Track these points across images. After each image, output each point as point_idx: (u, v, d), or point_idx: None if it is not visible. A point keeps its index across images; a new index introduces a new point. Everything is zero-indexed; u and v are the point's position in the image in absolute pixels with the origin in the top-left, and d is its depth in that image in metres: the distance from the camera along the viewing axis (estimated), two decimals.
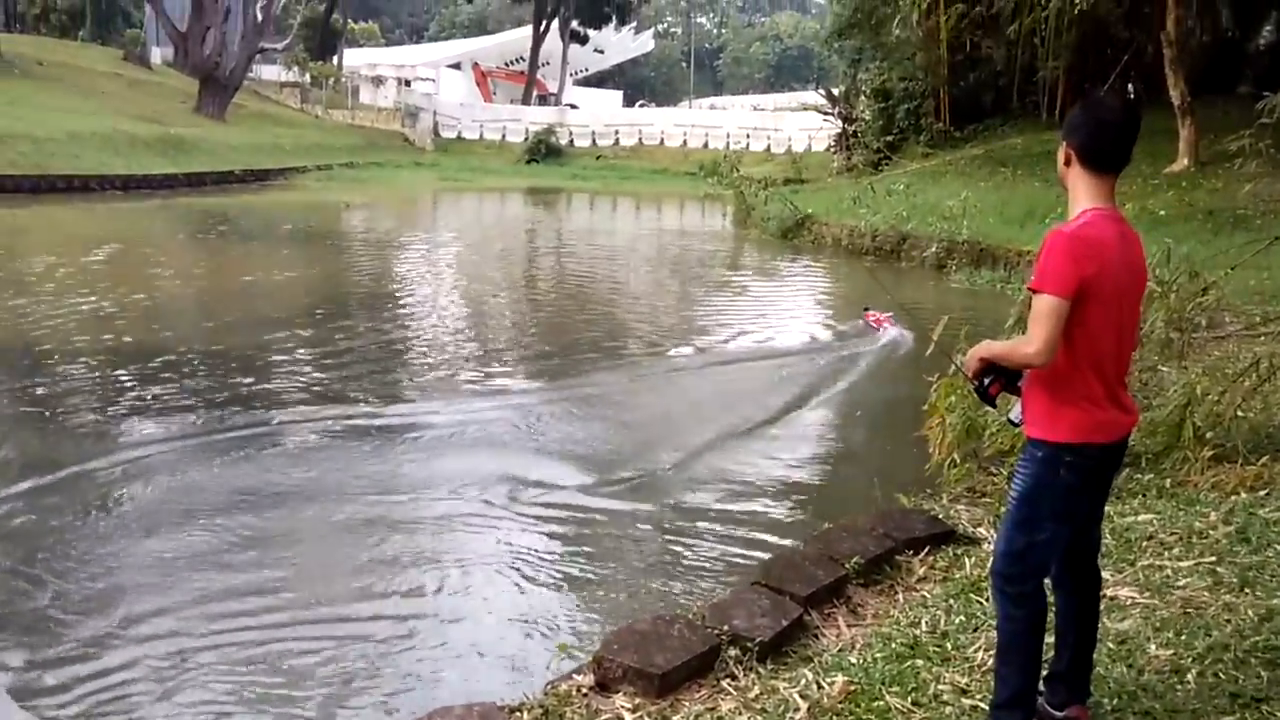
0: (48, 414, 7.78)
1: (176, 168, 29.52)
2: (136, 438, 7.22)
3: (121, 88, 39.23)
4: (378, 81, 59.11)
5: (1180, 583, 4.26)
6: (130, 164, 28.08)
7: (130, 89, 39.65)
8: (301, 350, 10.21)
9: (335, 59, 60.51)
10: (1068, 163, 3.06)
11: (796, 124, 44.65)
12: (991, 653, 3.43)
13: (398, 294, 14.91)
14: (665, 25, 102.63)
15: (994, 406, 3.30)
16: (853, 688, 3.49)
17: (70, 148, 27.36)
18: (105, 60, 44.75)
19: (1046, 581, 3.17)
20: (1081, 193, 3.04)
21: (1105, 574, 3.85)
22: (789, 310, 14.54)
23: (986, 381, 3.09)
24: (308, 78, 54.74)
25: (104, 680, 4.21)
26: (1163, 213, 14.95)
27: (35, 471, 6.42)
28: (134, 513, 5.94)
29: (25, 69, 36.18)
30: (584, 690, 3.56)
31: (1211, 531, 4.74)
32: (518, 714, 3.38)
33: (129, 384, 8.60)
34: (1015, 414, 3.17)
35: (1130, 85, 24.12)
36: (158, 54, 51.41)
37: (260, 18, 44.50)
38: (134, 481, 6.39)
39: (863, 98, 32.12)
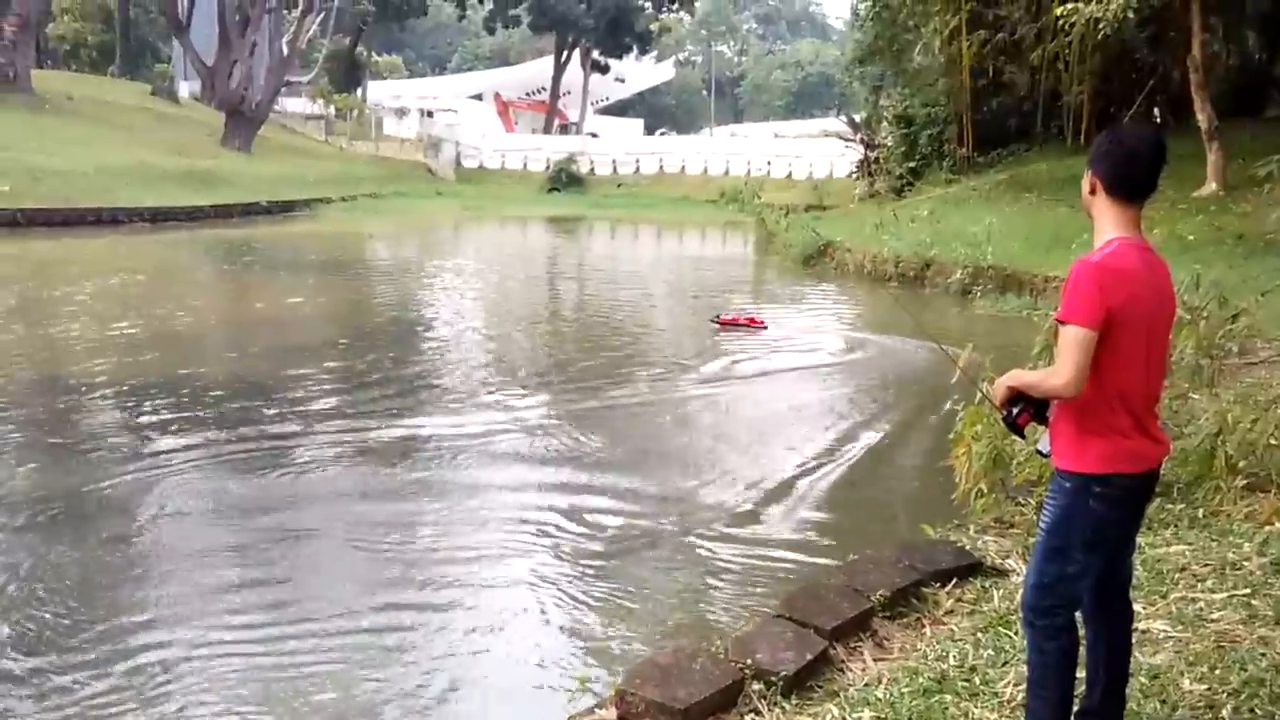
0: (75, 439, 7.87)
1: (203, 200, 29.77)
2: (160, 464, 7.24)
3: (150, 122, 39.68)
4: (401, 113, 59.57)
5: (1214, 616, 4.18)
6: (158, 197, 28.32)
7: (158, 123, 40.10)
8: (326, 378, 10.23)
9: (359, 91, 61.10)
10: (1093, 191, 3.03)
11: (818, 151, 44.69)
12: (1022, 688, 3.37)
13: (421, 321, 14.95)
14: (686, 54, 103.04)
15: (1022, 437, 3.27)
16: None
17: (100, 181, 27.66)
18: (134, 95, 45.32)
19: (1078, 615, 3.11)
20: (1107, 222, 3.00)
21: (1137, 607, 3.78)
22: (809, 333, 14.47)
23: (1015, 412, 3.06)
24: (332, 110, 55.24)
25: (109, 697, 4.23)
26: (1191, 238, 14.81)
27: (59, 492, 6.49)
28: (152, 538, 5.98)
29: (56, 104, 36.65)
30: None
31: (1245, 563, 4.66)
32: None
33: (154, 411, 8.64)
34: (1044, 444, 3.15)
35: (1156, 109, 24.01)
36: (185, 88, 52.02)
37: (286, 52, 45.05)
38: (154, 506, 6.43)
39: (885, 124, 32.13)
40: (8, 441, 7.80)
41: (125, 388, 9.47)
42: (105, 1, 58.79)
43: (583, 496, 6.94)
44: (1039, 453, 3.23)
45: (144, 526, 6.17)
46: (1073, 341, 2.85)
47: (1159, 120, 23.30)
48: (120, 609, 5.05)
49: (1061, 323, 2.90)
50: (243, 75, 42.22)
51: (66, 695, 4.27)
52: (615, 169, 49.96)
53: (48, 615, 4.92)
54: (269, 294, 16.94)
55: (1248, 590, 4.36)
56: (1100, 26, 17.12)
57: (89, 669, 4.47)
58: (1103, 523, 2.98)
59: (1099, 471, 2.94)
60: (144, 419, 8.48)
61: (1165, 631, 4.08)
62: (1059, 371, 2.88)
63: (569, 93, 64.32)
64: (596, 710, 3.64)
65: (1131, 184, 2.99)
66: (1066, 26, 18.46)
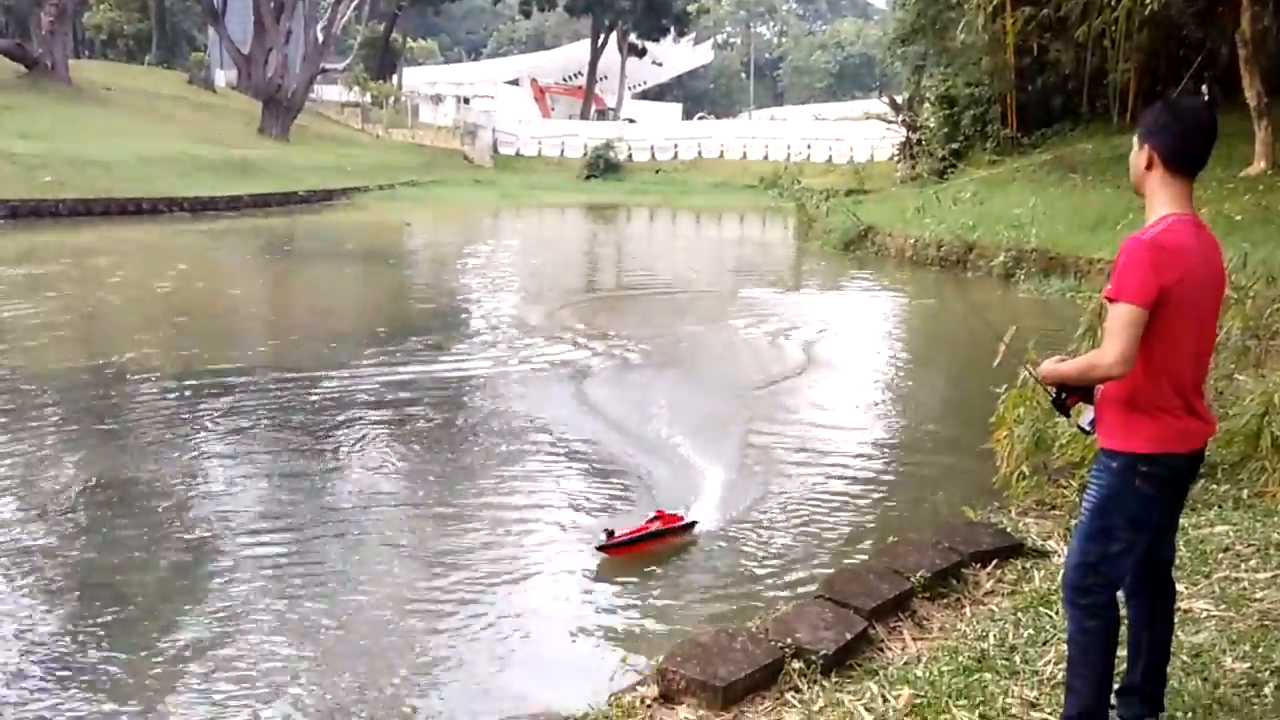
0: (117, 429, 7.94)
1: (242, 189, 29.96)
2: (200, 456, 7.33)
3: (187, 111, 40.07)
4: (437, 100, 59.71)
5: (1257, 595, 4.15)
6: (197, 186, 28.56)
7: (195, 112, 40.49)
8: (365, 365, 10.30)
9: (395, 78, 61.35)
10: (1149, 166, 2.97)
11: (859, 133, 44.33)
12: (1061, 666, 3.37)
13: (460, 310, 15.03)
14: (724, 36, 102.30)
15: (1068, 416, 3.25)
16: (919, 701, 3.45)
17: (138, 171, 27.93)
18: (171, 84, 45.76)
19: (1120, 594, 3.10)
20: (1161, 198, 2.95)
21: (1180, 586, 3.76)
22: (847, 318, 14.44)
23: (1064, 395, 3.04)
24: (368, 97, 55.46)
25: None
26: (1238, 217, 14.58)
27: (105, 484, 6.57)
28: (202, 518, 6.04)
29: (94, 94, 37.04)
30: (648, 701, 3.55)
31: None
32: None
33: (196, 400, 8.73)
34: (1086, 421, 3.11)
35: (1204, 87, 23.57)
36: (221, 77, 52.54)
37: (321, 39, 45.25)
38: (195, 500, 6.50)
39: (927, 105, 31.75)
40: (57, 428, 7.93)
41: (169, 374, 9.58)
42: None
43: (622, 482, 6.98)
44: (1081, 429, 3.19)
45: (192, 508, 6.26)
46: (1123, 319, 2.81)
47: (1208, 97, 22.90)
48: (175, 588, 5.15)
49: (1111, 300, 2.85)
50: (278, 63, 42.53)
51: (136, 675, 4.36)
52: (653, 155, 49.87)
53: (113, 594, 5.03)
54: (309, 284, 17.12)
55: None
56: (1147, 2, 16.81)
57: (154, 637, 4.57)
58: (1148, 502, 2.96)
59: (1147, 451, 2.92)
60: (187, 405, 8.58)
61: (1208, 611, 4.05)
62: (1107, 350, 2.83)
63: (606, 77, 64.13)
64: (638, 688, 3.66)
65: (1190, 157, 2.93)
66: (1113, 2, 18.15)
